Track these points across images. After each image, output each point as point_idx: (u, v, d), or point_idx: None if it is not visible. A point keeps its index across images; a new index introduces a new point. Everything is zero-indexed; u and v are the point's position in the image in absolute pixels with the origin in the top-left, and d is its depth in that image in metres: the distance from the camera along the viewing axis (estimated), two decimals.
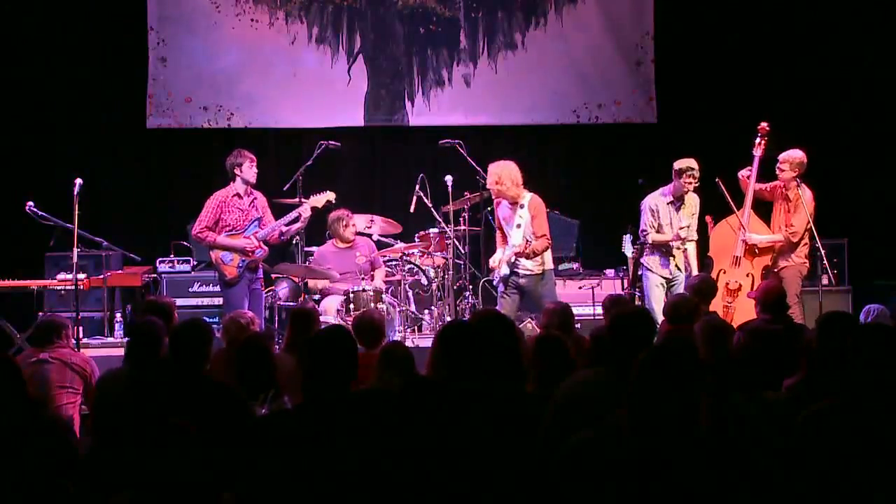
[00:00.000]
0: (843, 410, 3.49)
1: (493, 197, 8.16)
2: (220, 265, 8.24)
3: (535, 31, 11.01)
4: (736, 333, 5.33)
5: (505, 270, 7.97)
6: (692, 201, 8.29)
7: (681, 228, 8.19)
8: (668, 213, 8.29)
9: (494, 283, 8.24)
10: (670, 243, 8.21)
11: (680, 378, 3.13)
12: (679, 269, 8.24)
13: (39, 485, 3.48)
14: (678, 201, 8.26)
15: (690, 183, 8.16)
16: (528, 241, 7.84)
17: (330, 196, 8.56)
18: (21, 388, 3.86)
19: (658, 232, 8.27)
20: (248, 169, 8.26)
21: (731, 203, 8.34)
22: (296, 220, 8.36)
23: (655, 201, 8.33)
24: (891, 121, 10.51)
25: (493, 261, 8.13)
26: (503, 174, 7.91)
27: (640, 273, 8.81)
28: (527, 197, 7.97)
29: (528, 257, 7.87)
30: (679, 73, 10.90)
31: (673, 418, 3.09)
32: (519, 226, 7.91)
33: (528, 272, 7.95)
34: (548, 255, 8.03)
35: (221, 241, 8.21)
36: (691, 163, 8.16)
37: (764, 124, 8.35)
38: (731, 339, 5.17)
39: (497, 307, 8.06)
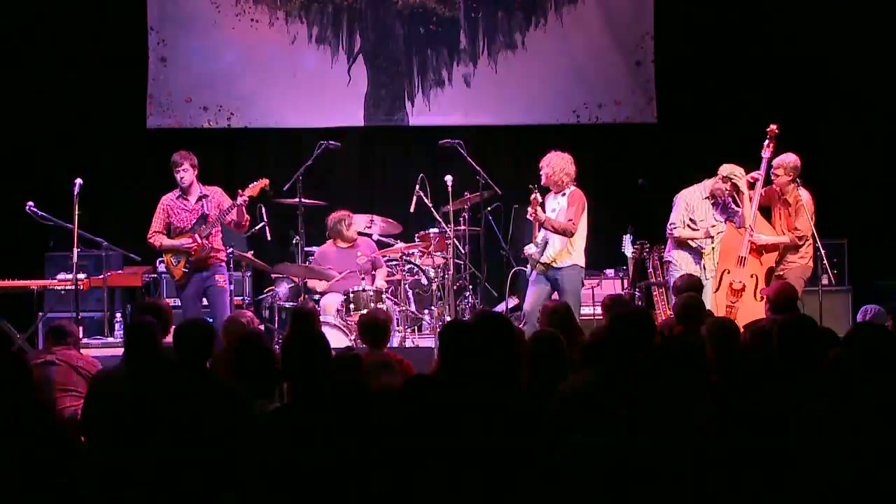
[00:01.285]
0: (839, 410, 3.49)
1: (542, 183, 8.25)
2: (170, 268, 8.28)
3: (535, 31, 11.01)
4: (742, 333, 5.33)
5: (532, 249, 8.11)
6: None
7: (712, 226, 8.25)
8: (705, 210, 8.31)
9: (528, 274, 8.34)
10: (699, 241, 8.26)
11: (679, 379, 3.13)
12: (712, 269, 8.22)
13: (41, 484, 3.49)
14: (713, 199, 8.29)
15: (728, 191, 8.26)
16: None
17: (264, 183, 8.31)
18: (29, 387, 3.85)
19: (690, 228, 8.30)
20: (175, 173, 8.23)
21: (741, 202, 8.34)
22: (230, 209, 8.20)
23: (692, 196, 8.39)
24: (891, 121, 10.50)
25: (528, 249, 8.26)
26: (554, 161, 8.12)
27: (646, 270, 8.83)
28: (570, 188, 8.15)
29: (543, 225, 7.99)
30: (679, 73, 10.89)
31: (672, 419, 3.09)
32: (554, 210, 8.09)
33: (551, 262, 8.05)
34: (576, 251, 8.09)
35: (165, 243, 8.23)
36: (737, 171, 8.19)
37: (773, 126, 8.33)
38: (739, 339, 5.17)
39: (527, 294, 8.18)
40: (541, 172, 8.20)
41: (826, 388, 3.74)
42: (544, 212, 8.08)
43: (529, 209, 8.05)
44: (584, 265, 8.19)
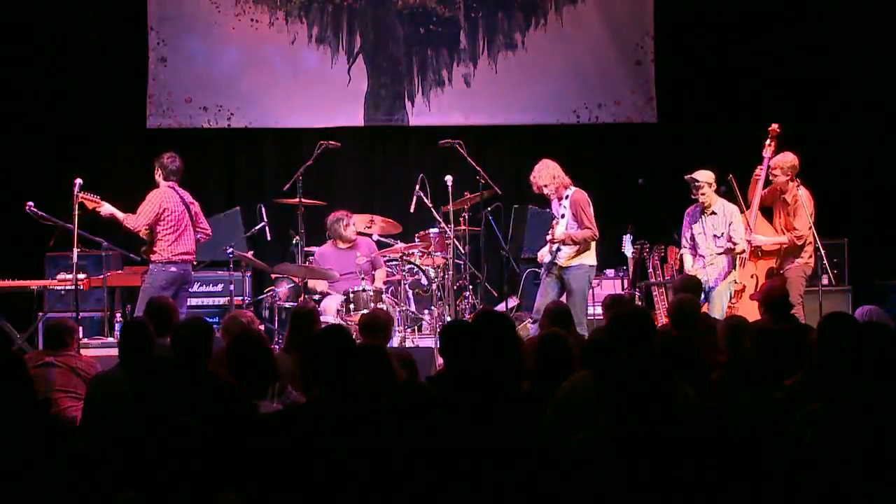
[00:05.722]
0: (839, 410, 3.49)
1: (548, 198, 8.36)
2: None
3: (535, 31, 11.01)
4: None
5: (547, 258, 8.18)
6: (725, 210, 8.23)
7: (678, 236, 8.25)
8: (702, 221, 8.28)
9: (541, 273, 8.41)
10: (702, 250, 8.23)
11: (644, 389, 3.09)
12: (714, 277, 8.17)
13: (41, 482, 3.49)
14: (707, 209, 8.22)
15: (694, 194, 8.21)
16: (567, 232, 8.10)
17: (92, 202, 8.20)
18: (29, 386, 3.84)
19: (692, 239, 8.29)
20: None
21: (742, 202, 8.34)
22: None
23: (694, 212, 8.35)
24: (891, 120, 10.50)
25: (541, 254, 8.33)
26: (543, 173, 8.18)
27: (646, 270, 8.81)
28: (570, 192, 8.20)
29: (564, 243, 8.07)
30: (679, 73, 10.89)
31: (647, 424, 3.07)
32: (563, 216, 8.16)
33: (560, 263, 8.11)
34: (590, 250, 8.17)
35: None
36: (695, 174, 8.16)
37: (775, 126, 8.32)
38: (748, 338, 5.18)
39: (538, 294, 8.27)
40: (542, 189, 8.23)
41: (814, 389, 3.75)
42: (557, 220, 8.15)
43: (550, 235, 8.11)
44: (594, 264, 8.27)
